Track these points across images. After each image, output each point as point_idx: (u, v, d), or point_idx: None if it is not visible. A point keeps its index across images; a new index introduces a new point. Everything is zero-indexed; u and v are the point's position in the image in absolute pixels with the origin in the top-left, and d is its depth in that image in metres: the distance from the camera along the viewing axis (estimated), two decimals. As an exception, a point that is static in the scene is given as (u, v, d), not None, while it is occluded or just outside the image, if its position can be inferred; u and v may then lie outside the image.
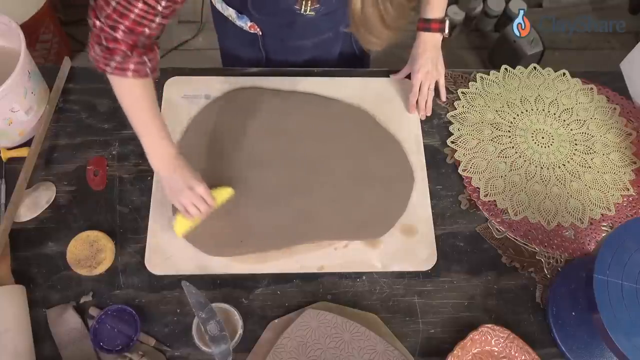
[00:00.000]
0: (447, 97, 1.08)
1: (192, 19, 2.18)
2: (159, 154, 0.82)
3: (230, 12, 1.01)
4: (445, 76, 1.08)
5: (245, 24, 1.01)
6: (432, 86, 1.05)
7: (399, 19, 0.68)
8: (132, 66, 0.73)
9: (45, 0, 1.70)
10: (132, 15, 0.70)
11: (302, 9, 0.91)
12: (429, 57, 1.03)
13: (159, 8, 0.70)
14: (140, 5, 0.69)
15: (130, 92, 0.78)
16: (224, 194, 0.91)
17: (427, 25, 1.01)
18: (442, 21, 1.01)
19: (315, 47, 1.10)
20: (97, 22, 0.71)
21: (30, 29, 1.67)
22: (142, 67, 0.75)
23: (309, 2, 0.89)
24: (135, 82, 0.76)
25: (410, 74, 1.07)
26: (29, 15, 1.65)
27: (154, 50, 0.77)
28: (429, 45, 1.03)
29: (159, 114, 0.81)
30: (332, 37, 1.09)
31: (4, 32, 0.95)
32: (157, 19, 0.72)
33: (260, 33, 1.03)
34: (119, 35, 0.71)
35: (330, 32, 1.07)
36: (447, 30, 1.03)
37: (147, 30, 0.72)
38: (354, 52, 1.19)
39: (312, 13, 0.92)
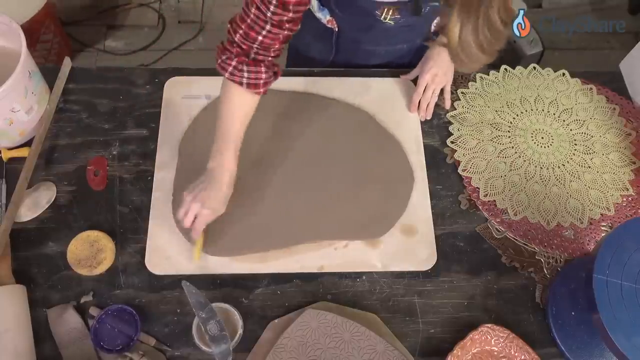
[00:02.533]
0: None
1: (192, 19, 2.19)
2: (216, 158, 0.85)
3: (312, 2, 1.01)
4: None
5: (324, 16, 1.02)
6: (437, 91, 1.05)
7: (495, 43, 0.68)
8: (229, 68, 0.80)
9: (46, 0, 1.70)
10: (248, 20, 0.77)
11: (382, 17, 0.93)
12: (441, 61, 1.03)
13: (268, 14, 0.76)
14: (253, 10, 0.76)
15: (225, 93, 0.83)
16: (197, 249, 0.88)
17: None
18: None
19: (387, 55, 1.11)
20: (228, 25, 0.80)
21: (30, 29, 1.67)
22: (237, 73, 0.80)
23: (390, 11, 0.91)
24: (232, 86, 0.82)
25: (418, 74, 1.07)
26: (29, 15, 1.65)
27: (259, 67, 0.81)
28: (445, 52, 1.02)
29: (239, 126, 0.84)
30: (406, 49, 1.10)
31: (4, 32, 0.95)
32: (267, 27, 0.77)
33: (337, 29, 1.04)
34: (237, 38, 0.79)
35: (405, 44, 1.08)
36: None
37: (260, 38, 0.78)
38: None
39: (391, 22, 0.94)
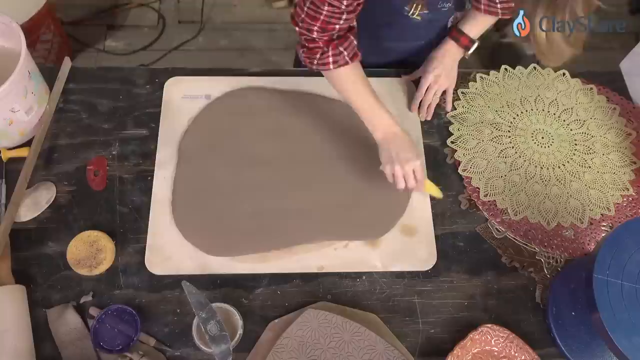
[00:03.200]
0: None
1: (192, 19, 2.19)
2: (376, 126, 0.88)
3: None
4: None
5: None
6: (439, 93, 1.04)
7: (580, 36, 0.70)
8: (330, 59, 0.83)
9: (46, 0, 1.70)
10: (322, 17, 0.79)
11: (411, 12, 0.94)
12: (445, 63, 1.03)
13: (343, 7, 0.78)
14: (326, 7, 0.78)
15: (339, 80, 0.88)
16: (433, 189, 0.93)
17: (458, 36, 1.01)
18: (472, 41, 1.02)
19: (404, 52, 1.11)
20: (297, 28, 0.83)
21: (30, 29, 1.67)
22: (340, 57, 0.84)
23: (419, 6, 0.92)
24: (340, 71, 0.86)
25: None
26: (29, 15, 1.65)
27: (348, 38, 0.85)
28: (450, 54, 1.03)
29: (369, 91, 0.88)
30: (423, 45, 1.10)
31: (4, 32, 0.95)
32: (344, 16, 0.80)
33: (355, 25, 1.04)
34: (315, 35, 0.82)
35: (423, 40, 1.09)
36: (470, 52, 1.03)
37: (337, 26, 0.82)
38: None
39: (419, 17, 0.95)
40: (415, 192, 0.93)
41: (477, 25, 1.01)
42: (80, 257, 0.86)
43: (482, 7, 0.96)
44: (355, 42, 0.86)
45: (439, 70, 1.02)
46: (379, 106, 0.88)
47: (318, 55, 0.83)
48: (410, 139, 0.89)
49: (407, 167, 0.86)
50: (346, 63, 0.85)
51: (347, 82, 0.88)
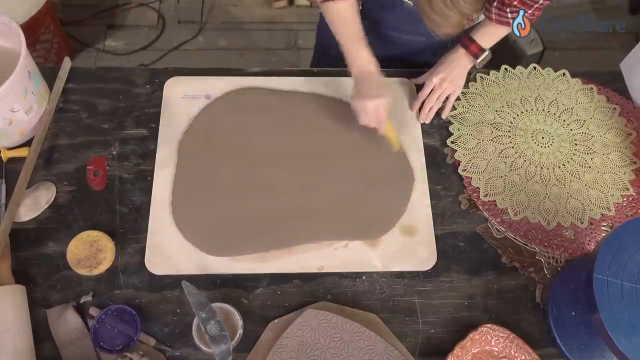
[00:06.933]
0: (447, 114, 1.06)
1: (192, 19, 2.19)
2: (354, 61, 0.93)
3: None
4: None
5: None
6: (442, 98, 1.04)
7: (465, 3, 0.71)
8: None
9: (46, 0, 1.70)
10: None
11: None
12: (452, 68, 1.02)
13: None
14: None
15: (330, 14, 0.93)
16: (393, 136, 0.97)
17: (468, 43, 1.01)
18: (482, 50, 1.02)
19: (405, 45, 1.12)
20: None
21: (30, 29, 1.67)
22: None
23: None
24: (330, 5, 0.92)
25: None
26: (29, 15, 1.65)
27: None
28: (458, 61, 1.03)
29: (355, 28, 0.93)
30: (424, 43, 1.09)
31: (4, 32, 0.95)
32: None
33: (360, 7, 1.05)
34: None
35: (424, 36, 1.08)
36: (479, 60, 1.03)
37: None
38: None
39: (410, 3, 0.95)
40: (380, 134, 0.97)
41: (488, 35, 1.01)
42: (80, 257, 0.86)
43: (493, 16, 0.95)
44: None
45: (445, 74, 1.02)
46: (360, 43, 0.92)
47: None
48: (383, 79, 0.93)
49: (372, 102, 0.91)
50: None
51: (337, 18, 0.93)
